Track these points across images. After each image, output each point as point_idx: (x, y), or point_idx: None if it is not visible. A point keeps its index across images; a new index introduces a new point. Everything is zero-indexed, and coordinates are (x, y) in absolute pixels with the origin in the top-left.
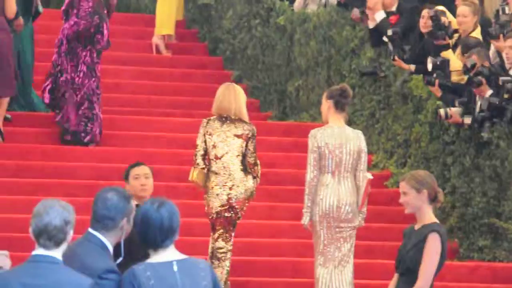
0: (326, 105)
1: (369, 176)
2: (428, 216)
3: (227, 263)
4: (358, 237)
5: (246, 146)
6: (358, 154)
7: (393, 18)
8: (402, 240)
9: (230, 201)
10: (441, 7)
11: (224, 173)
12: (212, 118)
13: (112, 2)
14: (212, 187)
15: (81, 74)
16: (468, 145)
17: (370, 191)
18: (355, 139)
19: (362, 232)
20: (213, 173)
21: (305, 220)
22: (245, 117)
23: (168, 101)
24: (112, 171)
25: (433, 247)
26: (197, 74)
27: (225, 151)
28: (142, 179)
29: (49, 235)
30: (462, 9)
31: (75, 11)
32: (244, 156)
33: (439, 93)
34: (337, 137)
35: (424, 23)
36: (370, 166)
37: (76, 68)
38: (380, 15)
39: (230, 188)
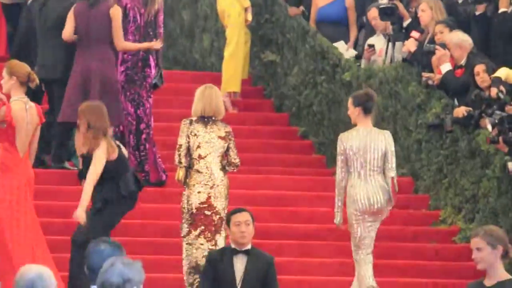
0: (355, 112)
1: (392, 174)
2: (501, 271)
3: None
4: None
5: (228, 147)
6: (385, 153)
7: (459, 72)
8: None
9: (210, 200)
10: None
11: (206, 172)
12: (194, 119)
13: (159, 32)
14: (194, 185)
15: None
16: None
17: (397, 189)
18: (382, 139)
19: None
20: (195, 171)
21: (338, 220)
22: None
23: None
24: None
25: None
26: (264, 131)
27: (209, 151)
28: (242, 226)
29: None
30: None
31: None
32: (222, 156)
33: (505, 149)
34: (362, 139)
35: (480, 79)
36: (438, 221)
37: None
38: (446, 67)
39: (211, 187)
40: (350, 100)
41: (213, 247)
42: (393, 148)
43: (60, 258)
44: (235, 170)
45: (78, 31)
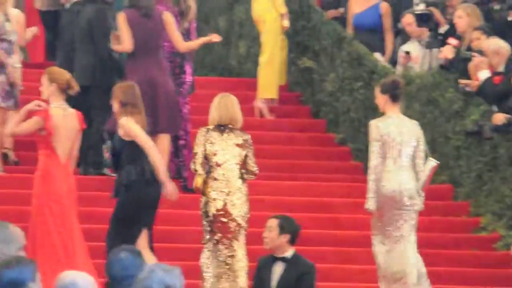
0: (383, 99)
1: (435, 162)
2: None
3: (242, 273)
4: None
5: (246, 155)
6: (417, 142)
7: (497, 78)
8: None
9: (226, 207)
10: None
11: (223, 180)
12: (210, 127)
13: (192, 39)
14: (210, 192)
15: None
16: None
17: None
18: (413, 128)
19: None
20: (211, 178)
21: (371, 204)
22: (240, 126)
23: (272, 164)
24: None
25: None
26: (301, 137)
27: (226, 159)
28: (266, 231)
29: None
30: None
31: None
32: (242, 164)
33: None
34: (397, 127)
35: None
36: (478, 228)
37: None
38: (484, 74)
39: (227, 194)
40: (377, 89)
41: (232, 254)
42: (423, 137)
43: (100, 264)
44: (253, 178)
45: (135, 40)
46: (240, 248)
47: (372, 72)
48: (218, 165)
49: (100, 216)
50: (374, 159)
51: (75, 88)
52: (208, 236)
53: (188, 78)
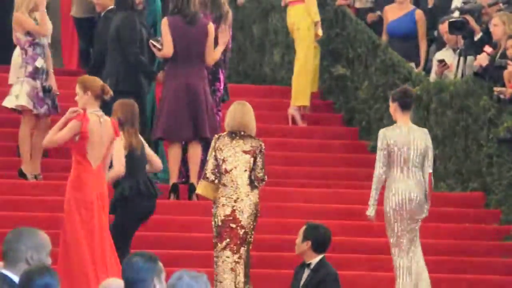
0: (393, 107)
1: (430, 170)
2: None
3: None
4: None
5: (255, 161)
6: (425, 151)
7: None
8: None
9: (234, 213)
10: None
11: (231, 186)
12: (223, 134)
13: (227, 48)
14: (219, 198)
15: None
16: None
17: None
18: (422, 137)
19: None
20: (222, 185)
21: (371, 212)
22: (255, 133)
23: (305, 172)
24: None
25: None
26: (333, 145)
27: (234, 165)
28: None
29: None
30: None
31: None
32: (251, 171)
33: None
34: (405, 136)
35: None
36: (509, 236)
37: None
38: None
39: (235, 201)
40: (390, 97)
41: (239, 260)
42: (431, 145)
43: None
44: (261, 185)
45: (176, 47)
46: (245, 255)
47: (406, 79)
48: (227, 171)
49: None
50: (378, 168)
51: (110, 93)
52: (215, 241)
53: (221, 85)
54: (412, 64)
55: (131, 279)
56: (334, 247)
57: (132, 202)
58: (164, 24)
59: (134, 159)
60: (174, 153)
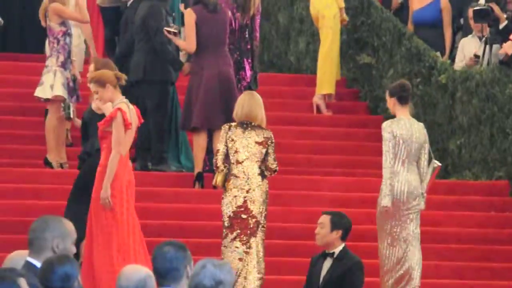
0: (391, 102)
1: (438, 163)
2: None
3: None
4: None
5: (267, 152)
6: (423, 144)
7: None
8: None
9: (246, 204)
10: None
11: (243, 177)
12: (233, 124)
13: (255, 35)
14: (231, 189)
15: None
16: None
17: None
18: (421, 130)
19: None
20: (233, 176)
21: (388, 202)
22: (265, 124)
23: (329, 160)
24: (276, 230)
25: None
26: (358, 133)
27: (246, 156)
28: (317, 228)
29: None
30: None
31: None
32: (262, 161)
33: None
34: (408, 128)
35: None
36: None
37: None
38: None
39: (247, 191)
40: (386, 92)
41: (248, 250)
42: (428, 139)
43: None
44: (272, 175)
45: (204, 36)
46: (257, 245)
47: (432, 68)
48: (239, 162)
49: (157, 212)
50: (388, 159)
51: (123, 77)
52: (226, 232)
53: (247, 74)
54: (438, 53)
55: (164, 268)
56: (359, 235)
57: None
58: (190, 16)
59: None
60: (202, 142)
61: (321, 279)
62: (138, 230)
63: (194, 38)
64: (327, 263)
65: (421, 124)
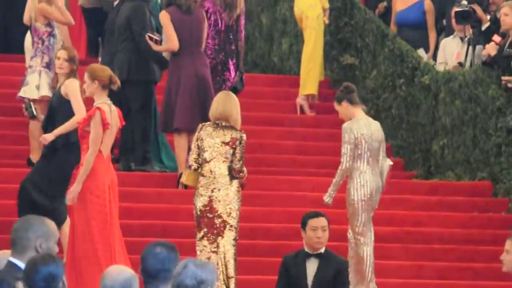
0: (343, 108)
1: (390, 162)
2: None
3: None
4: None
5: (234, 152)
6: (381, 142)
7: None
8: None
9: (211, 203)
10: None
11: (210, 176)
12: (207, 123)
13: (240, 36)
14: (198, 188)
15: None
16: None
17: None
18: (379, 128)
19: None
20: (201, 175)
21: (330, 200)
22: (239, 125)
23: (313, 161)
24: (258, 230)
25: None
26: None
27: (213, 156)
28: (319, 231)
29: None
30: None
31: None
32: (231, 162)
33: None
34: (368, 128)
35: None
36: None
37: None
38: None
39: (212, 191)
40: (334, 104)
41: (215, 250)
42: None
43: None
44: (239, 176)
45: (180, 37)
46: (226, 244)
47: (415, 68)
48: (206, 161)
49: (140, 212)
50: (345, 162)
51: (117, 83)
52: (195, 231)
53: (231, 75)
54: (422, 50)
55: (155, 269)
56: (342, 236)
57: (77, 148)
58: (165, 17)
59: None
60: (183, 142)
61: (309, 279)
62: (118, 229)
63: (175, 35)
64: (313, 264)
65: (378, 123)
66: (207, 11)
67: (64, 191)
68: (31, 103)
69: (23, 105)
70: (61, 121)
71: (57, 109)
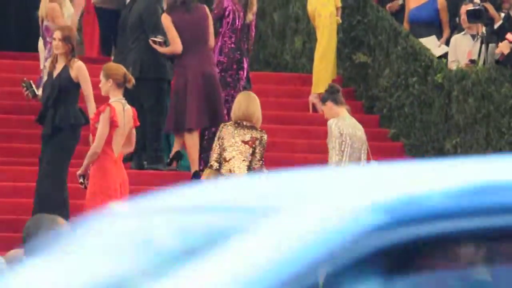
0: (327, 107)
1: (377, 163)
2: None
3: None
4: None
5: (253, 152)
6: (363, 143)
7: None
8: None
9: None
10: None
11: (229, 176)
12: (228, 123)
13: (251, 36)
14: None
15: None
16: None
17: None
18: (361, 130)
19: None
20: (221, 174)
21: None
22: (260, 123)
23: (326, 159)
24: None
25: None
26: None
27: (232, 155)
28: None
29: None
30: None
31: (216, 49)
32: (250, 161)
33: None
34: (352, 127)
35: None
36: None
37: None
38: None
39: None
40: (321, 102)
41: None
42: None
43: None
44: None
45: (183, 37)
46: None
47: (428, 67)
48: (226, 160)
49: None
50: (334, 156)
51: (132, 81)
52: None
53: (245, 74)
54: (434, 38)
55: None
56: None
57: (79, 129)
58: (166, 20)
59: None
60: (195, 141)
61: None
62: None
63: (177, 38)
64: None
65: (361, 126)
66: (225, 9)
67: (61, 173)
68: (31, 81)
69: (23, 84)
70: (65, 102)
71: (65, 90)
